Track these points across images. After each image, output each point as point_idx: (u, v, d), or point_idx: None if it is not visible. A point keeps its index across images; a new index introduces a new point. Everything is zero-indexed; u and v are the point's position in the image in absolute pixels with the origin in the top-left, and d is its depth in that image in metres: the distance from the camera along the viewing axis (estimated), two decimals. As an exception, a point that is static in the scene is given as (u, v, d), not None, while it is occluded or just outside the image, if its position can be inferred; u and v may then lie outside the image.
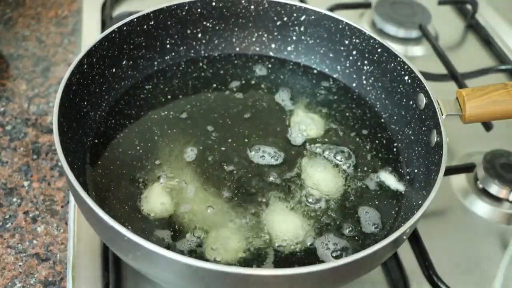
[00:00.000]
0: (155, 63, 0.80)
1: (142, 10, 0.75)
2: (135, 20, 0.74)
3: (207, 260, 0.59)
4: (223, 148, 0.71)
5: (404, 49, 1.02)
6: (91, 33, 0.96)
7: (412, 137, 0.72)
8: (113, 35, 0.72)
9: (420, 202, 0.62)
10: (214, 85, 0.80)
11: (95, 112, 0.72)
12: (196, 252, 0.60)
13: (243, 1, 0.80)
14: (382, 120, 0.77)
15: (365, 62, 0.78)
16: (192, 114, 0.75)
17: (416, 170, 0.69)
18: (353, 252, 0.61)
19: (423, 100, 0.69)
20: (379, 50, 0.76)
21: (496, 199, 0.77)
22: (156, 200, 0.64)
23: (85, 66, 0.68)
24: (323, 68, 0.83)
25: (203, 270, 0.49)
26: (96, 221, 0.54)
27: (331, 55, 0.82)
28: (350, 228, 0.64)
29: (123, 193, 0.65)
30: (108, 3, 1.01)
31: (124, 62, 0.75)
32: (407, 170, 0.71)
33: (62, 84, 0.63)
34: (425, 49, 1.02)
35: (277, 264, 0.60)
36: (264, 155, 0.71)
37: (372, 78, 0.78)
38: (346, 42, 0.79)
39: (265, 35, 0.83)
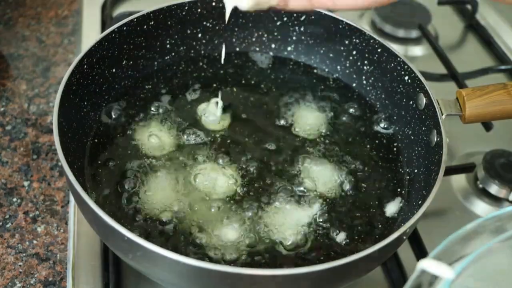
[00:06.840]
0: (155, 63, 0.80)
1: (142, 10, 0.75)
2: (135, 20, 0.74)
3: (207, 260, 0.59)
4: (222, 149, 0.71)
5: (404, 49, 1.02)
6: (91, 33, 0.96)
7: (412, 137, 0.72)
8: (113, 35, 0.72)
9: (420, 202, 0.62)
10: (214, 85, 0.80)
11: (95, 112, 0.72)
12: (196, 252, 0.60)
13: (243, 1, 0.80)
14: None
15: (365, 62, 0.78)
16: (192, 114, 0.75)
17: (416, 170, 0.69)
18: (352, 251, 0.61)
19: (423, 100, 0.69)
20: (379, 50, 0.76)
21: (496, 199, 0.77)
22: (156, 199, 0.64)
23: (85, 66, 0.68)
24: (323, 68, 0.83)
25: (203, 270, 0.49)
26: (96, 221, 0.54)
27: (331, 55, 0.82)
28: (347, 226, 0.64)
29: (123, 193, 0.65)
30: (108, 3, 1.01)
31: (124, 62, 0.75)
32: (407, 170, 0.71)
33: (62, 84, 0.63)
34: (425, 49, 1.02)
35: (278, 263, 0.61)
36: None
37: (372, 78, 0.78)
38: (346, 42, 0.79)
39: (265, 35, 0.83)
